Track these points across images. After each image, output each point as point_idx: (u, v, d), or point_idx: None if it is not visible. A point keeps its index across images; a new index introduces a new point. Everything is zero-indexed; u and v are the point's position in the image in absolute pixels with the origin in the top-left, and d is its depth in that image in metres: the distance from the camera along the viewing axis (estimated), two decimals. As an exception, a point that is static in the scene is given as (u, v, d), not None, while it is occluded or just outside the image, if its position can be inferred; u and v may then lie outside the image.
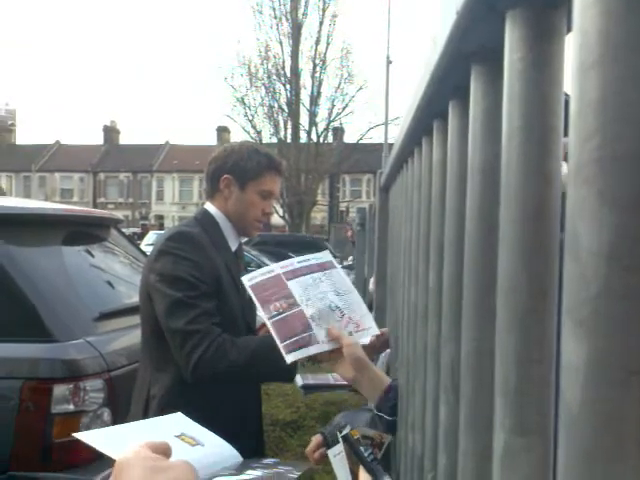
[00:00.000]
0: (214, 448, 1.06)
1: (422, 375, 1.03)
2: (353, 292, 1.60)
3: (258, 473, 0.87)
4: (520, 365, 0.45)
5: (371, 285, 3.75)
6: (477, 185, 0.58)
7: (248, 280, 1.46)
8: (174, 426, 1.10)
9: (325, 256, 1.62)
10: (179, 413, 1.16)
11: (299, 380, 2.05)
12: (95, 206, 36.18)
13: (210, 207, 2.02)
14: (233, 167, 1.98)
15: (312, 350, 1.42)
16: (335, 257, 1.84)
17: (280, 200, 27.31)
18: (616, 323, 0.31)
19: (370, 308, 2.82)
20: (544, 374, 0.44)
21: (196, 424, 1.12)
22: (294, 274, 1.50)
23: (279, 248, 15.03)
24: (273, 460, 1.01)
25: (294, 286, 1.47)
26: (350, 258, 5.57)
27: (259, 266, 12.37)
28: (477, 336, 0.59)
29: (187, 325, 1.75)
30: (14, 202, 3.32)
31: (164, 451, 0.79)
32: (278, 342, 1.40)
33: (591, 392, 0.32)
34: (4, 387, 2.41)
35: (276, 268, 1.51)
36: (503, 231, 0.47)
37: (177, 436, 1.05)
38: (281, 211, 27.93)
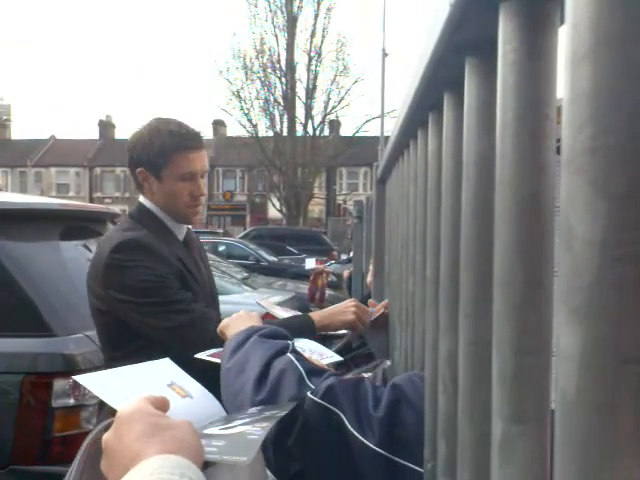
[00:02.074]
0: (201, 401, 1.04)
1: (420, 365, 1.04)
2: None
3: (247, 426, 0.86)
4: (517, 354, 0.45)
5: (369, 277, 3.75)
6: (472, 176, 0.59)
7: None
8: (164, 373, 1.07)
9: None
10: (167, 359, 1.12)
11: None
12: (92, 201, 36.05)
13: (144, 200, 1.85)
14: (140, 158, 1.77)
15: None
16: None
17: (277, 193, 27.29)
18: (609, 312, 0.31)
19: (367, 300, 2.81)
20: (541, 363, 0.45)
21: (182, 371, 1.10)
22: None
23: (276, 241, 15.04)
24: (257, 408, 0.99)
25: None
26: (351, 253, 5.46)
27: (257, 260, 12.33)
28: (474, 326, 0.59)
29: (179, 314, 1.66)
30: (10, 197, 3.31)
31: (163, 406, 0.80)
32: None
33: (586, 380, 0.32)
34: (4, 382, 2.42)
35: None
36: (498, 221, 0.47)
37: (168, 385, 1.03)
38: (278, 204, 27.90)
